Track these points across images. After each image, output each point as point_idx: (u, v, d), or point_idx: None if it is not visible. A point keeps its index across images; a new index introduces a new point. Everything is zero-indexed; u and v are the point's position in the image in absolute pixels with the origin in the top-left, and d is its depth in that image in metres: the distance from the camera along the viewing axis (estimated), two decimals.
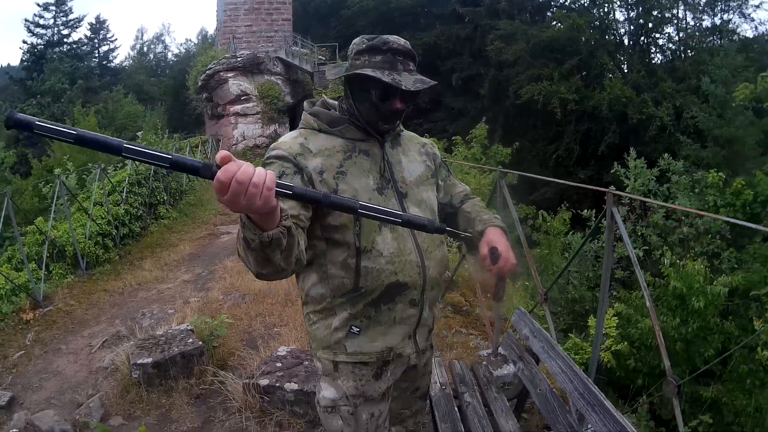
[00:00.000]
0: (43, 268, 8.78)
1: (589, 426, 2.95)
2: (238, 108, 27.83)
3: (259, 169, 1.33)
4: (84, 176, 14.27)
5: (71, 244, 9.86)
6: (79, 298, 8.29)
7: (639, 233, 10.60)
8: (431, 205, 2.08)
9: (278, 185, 1.39)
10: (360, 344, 2.05)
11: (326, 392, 2.17)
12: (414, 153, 2.13)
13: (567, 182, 3.26)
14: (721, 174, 11.13)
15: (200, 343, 4.94)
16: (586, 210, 10.76)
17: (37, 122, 1.17)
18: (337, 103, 2.04)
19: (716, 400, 7.64)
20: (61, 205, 10.36)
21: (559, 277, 4.08)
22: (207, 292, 7.68)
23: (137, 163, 14.37)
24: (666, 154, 11.57)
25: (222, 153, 1.31)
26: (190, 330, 5.14)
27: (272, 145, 1.94)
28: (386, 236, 1.91)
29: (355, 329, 2.01)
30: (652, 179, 10.84)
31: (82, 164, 15.76)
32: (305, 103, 2.09)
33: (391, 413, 2.51)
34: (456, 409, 3.21)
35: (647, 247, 10.33)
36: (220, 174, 1.28)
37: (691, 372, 8.14)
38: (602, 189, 2.85)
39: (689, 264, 7.92)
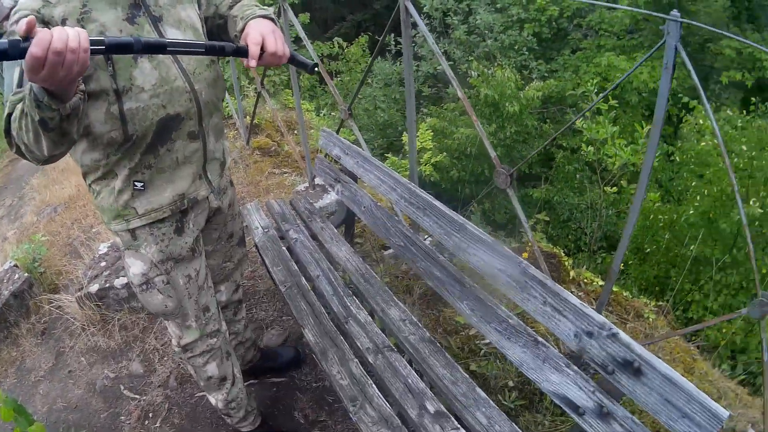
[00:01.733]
0: None
1: (426, 237, 2.94)
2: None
3: (69, 30, 1.18)
4: None
5: None
6: None
7: (442, 50, 10.68)
8: (192, 23, 1.83)
9: (90, 43, 1.22)
10: (149, 200, 1.86)
11: (134, 268, 2.00)
12: None
13: None
14: None
15: (26, 274, 4.52)
16: (387, 37, 10.58)
17: None
18: None
19: (548, 201, 8.10)
20: None
21: (359, 89, 3.95)
22: (21, 220, 7.06)
23: None
24: None
25: (25, 20, 1.10)
26: (14, 266, 4.68)
27: (13, 10, 1.62)
28: (144, 67, 1.66)
29: (139, 185, 1.81)
30: None
31: None
32: None
33: (214, 271, 2.40)
34: (285, 249, 3.06)
35: (452, 63, 10.48)
36: (33, 48, 1.12)
37: (518, 177, 8.59)
38: None
39: (498, 72, 8.12)
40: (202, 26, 1.90)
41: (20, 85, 1.52)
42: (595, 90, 6.47)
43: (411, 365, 2.18)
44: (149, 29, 1.70)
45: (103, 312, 3.94)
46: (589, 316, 1.54)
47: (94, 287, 3.90)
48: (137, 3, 1.70)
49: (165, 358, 3.50)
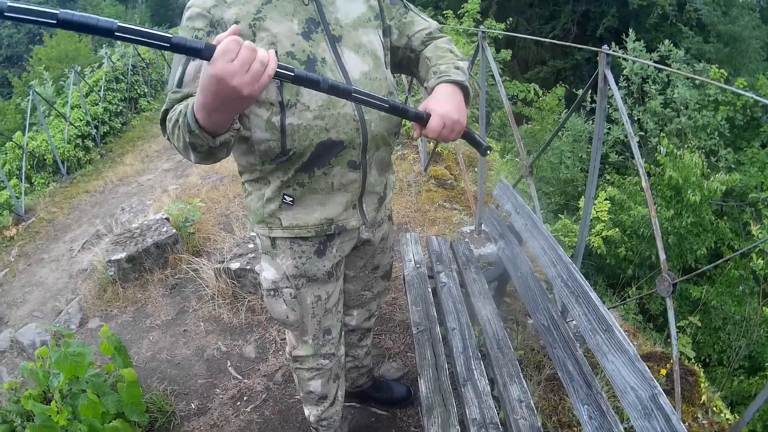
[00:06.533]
0: (22, 181, 8.63)
1: (572, 320, 2.76)
2: None
3: (261, 49, 1.21)
4: (62, 83, 13.91)
5: (50, 152, 9.73)
6: (60, 204, 8.16)
7: (636, 118, 10.31)
8: (373, 49, 1.73)
9: (279, 67, 1.25)
10: (295, 216, 1.80)
11: (266, 273, 1.96)
12: None
13: (556, 41, 2.90)
14: (723, 71, 10.70)
15: (174, 231, 4.76)
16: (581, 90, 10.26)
17: (9, 3, 0.98)
18: None
19: (705, 302, 7.57)
20: (37, 116, 10.19)
21: (545, 147, 3.77)
22: (186, 179, 7.45)
23: (114, 60, 14.29)
24: (667, 41, 11.05)
25: (231, 29, 1.18)
26: (166, 219, 4.95)
27: (187, 4, 1.61)
28: None
29: (288, 199, 1.76)
30: (651, 65, 10.37)
31: (59, 73, 15.38)
32: None
33: (350, 295, 2.34)
34: (430, 291, 2.96)
35: (643, 134, 10.07)
36: (230, 39, 1.16)
37: (683, 269, 8.08)
38: (594, 48, 2.54)
39: (686, 155, 7.67)
40: (384, 54, 1.80)
41: (180, 84, 1.52)
42: None
43: None
44: (325, 48, 1.63)
45: (236, 290, 4.03)
46: None
47: (235, 264, 4.00)
48: (315, 19, 1.63)
49: (280, 353, 3.53)
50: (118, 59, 14.65)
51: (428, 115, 1.57)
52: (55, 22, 1.01)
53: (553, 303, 2.41)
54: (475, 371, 2.37)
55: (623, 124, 2.58)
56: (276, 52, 1.54)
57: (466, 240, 3.45)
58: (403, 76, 6.60)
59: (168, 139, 1.52)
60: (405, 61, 1.90)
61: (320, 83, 1.32)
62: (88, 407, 2.53)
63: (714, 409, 3.09)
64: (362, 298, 2.40)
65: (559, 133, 11.54)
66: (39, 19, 1.00)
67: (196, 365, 3.53)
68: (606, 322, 1.87)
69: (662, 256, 2.45)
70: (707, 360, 7.12)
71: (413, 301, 2.89)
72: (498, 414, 2.17)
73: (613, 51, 2.58)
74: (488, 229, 3.16)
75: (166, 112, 1.49)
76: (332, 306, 2.07)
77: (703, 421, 3.00)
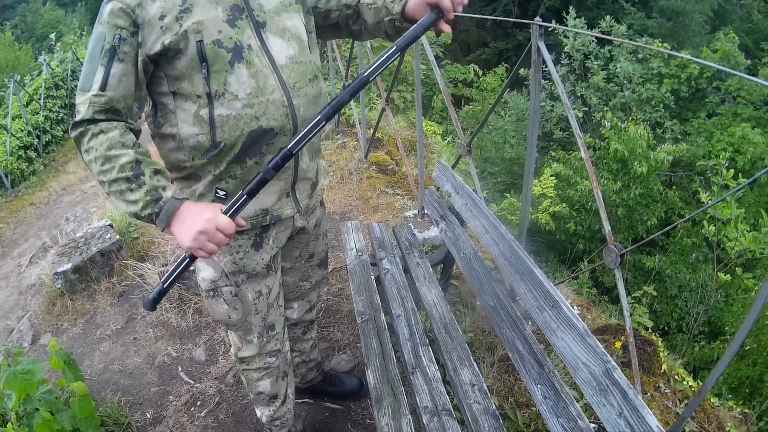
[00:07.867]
0: None
1: (518, 298, 2.74)
2: None
3: (221, 223, 1.47)
4: (2, 93, 13.50)
5: None
6: (6, 220, 7.89)
7: (579, 94, 10.43)
8: (297, 33, 1.73)
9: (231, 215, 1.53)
10: None
11: (204, 272, 1.91)
12: None
13: (492, 17, 2.85)
14: (666, 45, 10.87)
15: (118, 236, 4.61)
16: (523, 69, 10.31)
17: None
18: None
19: (659, 271, 7.69)
20: None
21: (482, 125, 3.73)
22: None
23: (54, 66, 13.93)
24: (608, 17, 11.18)
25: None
26: (109, 225, 4.80)
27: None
28: (241, 74, 1.57)
29: (221, 193, 1.68)
30: (593, 40, 10.48)
31: None
32: None
33: (289, 287, 2.29)
34: (373, 279, 2.92)
35: (587, 109, 10.18)
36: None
37: (634, 240, 8.20)
38: (527, 21, 2.51)
39: (631, 127, 7.78)
40: (308, 37, 1.79)
41: (104, 87, 1.48)
42: (726, 164, 6.03)
43: None
44: (251, 35, 1.61)
45: (182, 292, 3.95)
46: None
47: None
48: (240, 6, 1.61)
49: (229, 353, 3.44)
50: (57, 65, 14.28)
51: (434, 8, 1.61)
52: None
53: (499, 283, 2.38)
54: (423, 357, 2.33)
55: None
56: (202, 41, 1.51)
57: (409, 224, 3.39)
58: (340, 64, 6.51)
59: (83, 152, 1.51)
60: (343, 20, 1.91)
61: (292, 152, 1.52)
62: (42, 426, 2.49)
63: (676, 377, 3.11)
64: (301, 290, 2.36)
65: (503, 113, 11.61)
66: None
67: (148, 373, 3.45)
68: (552, 298, 1.84)
69: (607, 227, 2.44)
70: (666, 328, 7.24)
71: (356, 290, 2.84)
72: (451, 400, 2.15)
73: (548, 24, 2.54)
74: (430, 212, 3.11)
75: (91, 121, 1.48)
76: (274, 300, 2.03)
77: (666, 390, 3.02)
